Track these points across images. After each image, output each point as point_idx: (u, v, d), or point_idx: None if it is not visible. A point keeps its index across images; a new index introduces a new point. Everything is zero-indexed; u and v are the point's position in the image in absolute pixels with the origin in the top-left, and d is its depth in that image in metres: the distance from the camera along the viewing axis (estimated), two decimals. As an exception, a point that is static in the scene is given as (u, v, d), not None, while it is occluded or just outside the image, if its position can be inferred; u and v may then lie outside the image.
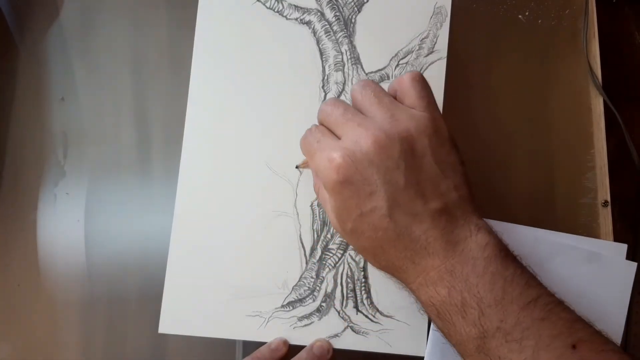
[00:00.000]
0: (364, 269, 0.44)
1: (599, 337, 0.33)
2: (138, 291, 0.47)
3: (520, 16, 0.52)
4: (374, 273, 0.44)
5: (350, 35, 0.46)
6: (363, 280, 0.43)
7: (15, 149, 0.49)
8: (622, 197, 0.49)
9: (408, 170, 0.34)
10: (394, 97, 0.37)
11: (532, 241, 0.44)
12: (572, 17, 0.52)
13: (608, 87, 0.50)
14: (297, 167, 0.43)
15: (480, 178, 0.50)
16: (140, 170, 0.49)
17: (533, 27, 0.52)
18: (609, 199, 0.48)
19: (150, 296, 0.46)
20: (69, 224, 0.48)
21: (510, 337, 0.33)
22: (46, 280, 0.47)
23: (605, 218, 0.48)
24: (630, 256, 0.45)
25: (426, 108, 0.36)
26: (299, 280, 0.44)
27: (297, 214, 0.44)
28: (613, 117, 0.49)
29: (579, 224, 0.48)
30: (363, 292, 0.43)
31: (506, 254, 0.35)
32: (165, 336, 0.45)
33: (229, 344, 0.46)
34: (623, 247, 0.45)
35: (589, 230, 0.48)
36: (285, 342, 0.42)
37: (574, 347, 0.32)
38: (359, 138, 0.34)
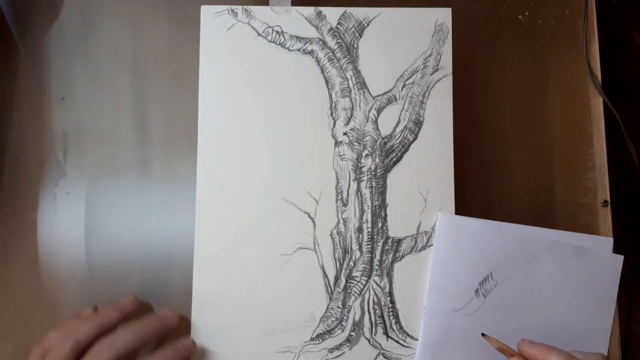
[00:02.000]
0: (390, 294, 0.44)
1: None
2: (138, 291, 0.47)
3: (520, 16, 0.52)
4: (400, 297, 0.44)
5: (354, 61, 0.45)
6: (390, 305, 0.44)
7: (15, 149, 0.49)
8: (621, 197, 0.49)
9: None
10: None
11: (521, 239, 0.44)
12: (572, 18, 0.52)
13: (608, 88, 0.50)
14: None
15: (481, 178, 0.50)
16: (140, 170, 0.49)
17: (533, 27, 0.52)
18: (608, 199, 0.48)
19: (149, 296, 0.46)
20: (69, 224, 0.48)
21: None
22: (46, 280, 0.47)
23: (605, 218, 0.48)
24: (631, 256, 0.45)
25: None
26: (325, 311, 0.44)
27: (318, 244, 0.45)
28: (613, 118, 0.50)
29: (579, 223, 0.49)
30: (391, 317, 0.44)
31: None
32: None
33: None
34: (609, 241, 0.46)
35: (588, 229, 0.49)
36: (133, 301, 0.43)
37: None
38: None
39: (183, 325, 0.43)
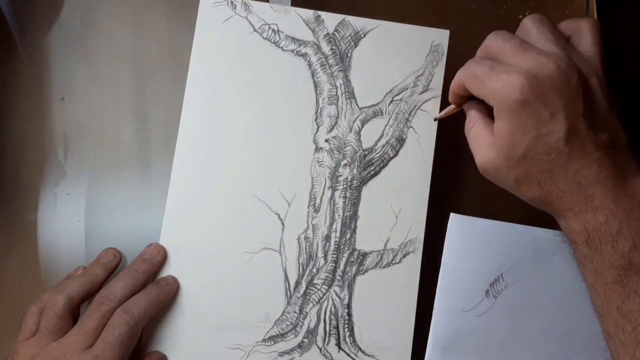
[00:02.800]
0: (349, 306, 0.44)
1: None
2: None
3: (520, 16, 0.52)
4: (358, 311, 0.44)
5: (345, 70, 0.45)
6: (347, 317, 0.44)
7: (15, 149, 0.49)
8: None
9: (585, 100, 0.35)
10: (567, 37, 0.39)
11: (532, 240, 0.44)
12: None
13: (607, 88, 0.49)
14: (435, 119, 0.44)
15: (481, 179, 0.49)
16: (140, 170, 0.49)
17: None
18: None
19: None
20: (70, 224, 0.48)
21: None
22: (46, 280, 0.47)
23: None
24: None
25: (598, 54, 0.38)
26: (281, 315, 0.44)
27: (284, 246, 0.44)
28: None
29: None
30: (346, 329, 0.44)
31: None
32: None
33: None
34: None
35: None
36: (115, 253, 0.45)
37: None
38: (541, 63, 0.35)
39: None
